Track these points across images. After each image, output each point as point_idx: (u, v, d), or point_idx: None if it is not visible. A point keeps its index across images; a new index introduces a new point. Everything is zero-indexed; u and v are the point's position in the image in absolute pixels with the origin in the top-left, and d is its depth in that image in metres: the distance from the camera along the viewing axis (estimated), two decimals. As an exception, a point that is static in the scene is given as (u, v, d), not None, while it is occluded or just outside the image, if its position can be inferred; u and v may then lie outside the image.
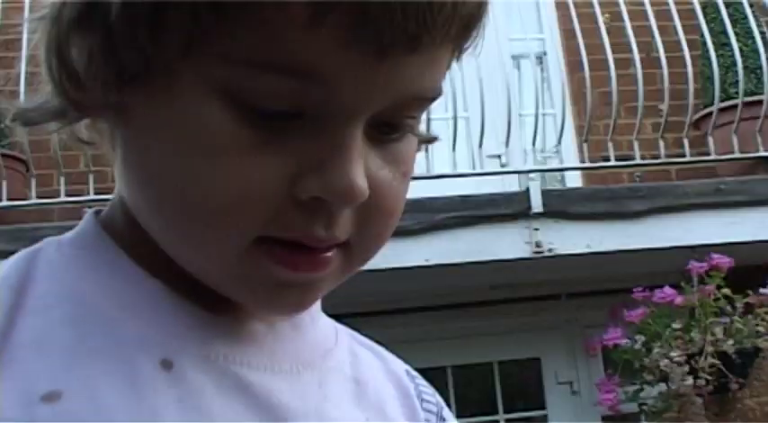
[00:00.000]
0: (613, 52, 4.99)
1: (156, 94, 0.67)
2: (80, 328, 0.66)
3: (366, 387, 0.81)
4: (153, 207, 0.70)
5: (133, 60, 0.66)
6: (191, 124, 0.66)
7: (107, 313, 0.69)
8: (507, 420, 5.56)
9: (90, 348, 0.65)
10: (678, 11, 5.15)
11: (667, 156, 5.01)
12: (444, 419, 0.90)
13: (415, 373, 0.90)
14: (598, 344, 4.72)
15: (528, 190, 4.52)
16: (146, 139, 0.69)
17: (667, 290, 4.40)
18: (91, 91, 0.69)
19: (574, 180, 5.55)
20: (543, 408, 5.61)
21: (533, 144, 5.05)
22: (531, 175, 4.70)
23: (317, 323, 0.82)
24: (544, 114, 5.17)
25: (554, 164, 5.58)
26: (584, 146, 5.02)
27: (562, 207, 4.57)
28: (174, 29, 0.64)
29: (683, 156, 5.01)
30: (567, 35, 5.48)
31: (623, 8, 5.11)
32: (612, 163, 4.98)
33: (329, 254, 0.69)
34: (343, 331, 0.85)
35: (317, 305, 0.80)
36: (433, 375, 4.69)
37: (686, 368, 4.29)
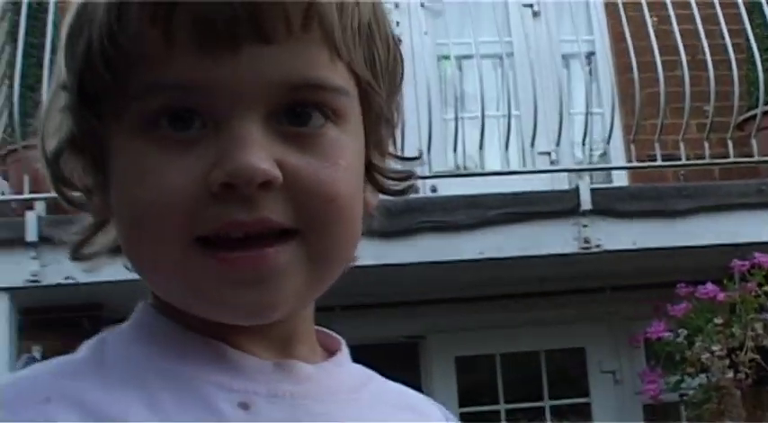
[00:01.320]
0: (661, 54, 5.08)
1: (106, 162, 0.78)
2: (166, 389, 0.73)
3: (402, 407, 0.88)
4: (125, 248, 0.79)
5: (91, 151, 0.79)
6: (126, 166, 0.75)
7: (180, 371, 0.75)
8: (552, 407, 5.64)
9: (179, 399, 0.72)
10: (724, 15, 5.23)
11: (711, 156, 5.10)
12: None
13: (448, 413, 0.94)
14: (641, 336, 4.80)
15: (578, 188, 4.65)
16: (114, 203, 0.78)
17: (710, 286, 4.50)
18: (88, 190, 0.82)
19: (621, 178, 5.67)
20: (587, 395, 5.67)
21: (583, 143, 5.18)
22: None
23: (349, 362, 0.87)
24: (592, 113, 5.28)
25: (602, 162, 5.67)
26: (632, 146, 5.12)
27: (610, 205, 4.68)
28: (99, 109, 0.76)
29: (727, 156, 5.09)
30: (617, 37, 5.56)
31: (671, 11, 5.20)
32: (659, 163, 5.06)
33: (270, 249, 0.73)
34: (373, 374, 0.90)
35: (346, 349, 0.87)
36: (482, 362, 4.82)
37: (726, 362, 4.38)
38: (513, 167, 5.00)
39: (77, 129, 0.79)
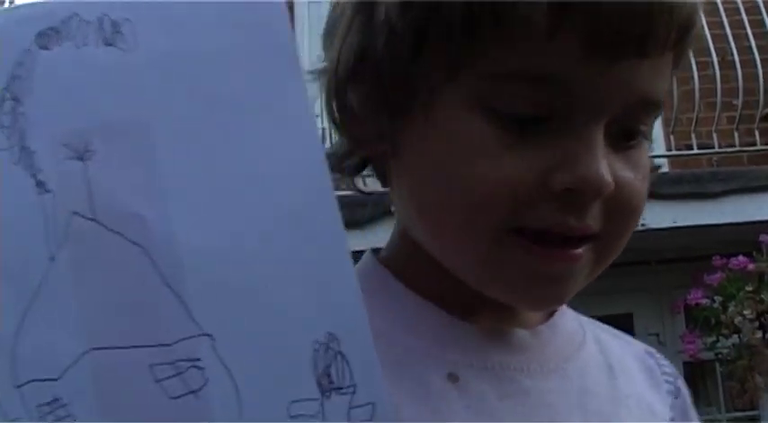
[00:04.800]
0: (695, 56, 5.05)
1: (418, 117, 0.69)
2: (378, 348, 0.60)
3: (615, 370, 0.81)
4: (422, 211, 0.71)
5: (401, 94, 0.69)
6: (452, 134, 0.67)
7: (391, 335, 0.69)
8: (603, 366, 5.64)
9: (383, 365, 0.57)
10: (749, 21, 5.54)
11: (741, 144, 5.37)
12: (679, 388, 0.87)
13: (652, 351, 0.89)
14: (681, 303, 5.00)
15: (625, 173, 4.84)
16: (414, 157, 0.70)
17: (741, 258, 4.73)
18: (367, 125, 0.72)
19: (662, 165, 5.60)
20: (635, 355, 5.74)
21: (627, 134, 5.41)
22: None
23: (564, 318, 0.81)
24: (634, 109, 5.50)
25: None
26: (671, 136, 5.36)
27: (653, 188, 4.44)
28: (435, 61, 0.67)
29: (755, 144, 5.37)
30: (655, 41, 5.78)
31: (702, 18, 5.42)
32: (695, 151, 5.33)
33: (580, 250, 0.68)
34: (585, 320, 0.84)
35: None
36: (543, 329, 5.30)
37: (756, 324, 4.64)
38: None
39: (392, 65, 0.69)
